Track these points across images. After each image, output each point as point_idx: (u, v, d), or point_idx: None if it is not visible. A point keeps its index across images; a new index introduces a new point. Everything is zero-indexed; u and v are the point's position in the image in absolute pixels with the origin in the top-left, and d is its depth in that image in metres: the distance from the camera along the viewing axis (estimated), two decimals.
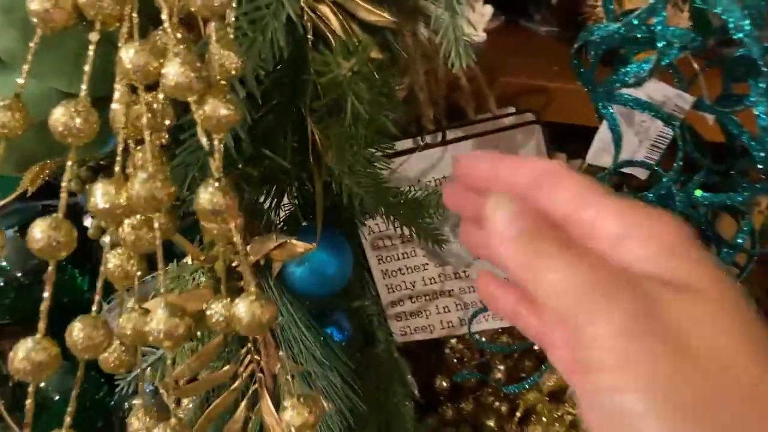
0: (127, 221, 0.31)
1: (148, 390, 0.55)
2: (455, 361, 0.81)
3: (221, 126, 0.30)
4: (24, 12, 0.28)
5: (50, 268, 0.29)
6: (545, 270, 0.25)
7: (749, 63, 0.36)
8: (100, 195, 0.30)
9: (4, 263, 0.75)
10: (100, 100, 0.31)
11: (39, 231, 0.28)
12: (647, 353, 0.23)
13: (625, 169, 0.47)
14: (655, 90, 0.45)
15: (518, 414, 0.78)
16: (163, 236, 0.31)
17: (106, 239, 0.31)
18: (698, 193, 0.45)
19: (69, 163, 0.30)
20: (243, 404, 0.44)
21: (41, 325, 0.29)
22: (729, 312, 0.24)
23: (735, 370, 0.23)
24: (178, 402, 0.51)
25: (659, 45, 0.38)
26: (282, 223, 0.50)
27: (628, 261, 0.25)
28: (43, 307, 0.29)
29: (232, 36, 0.33)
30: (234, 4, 0.33)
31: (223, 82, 0.33)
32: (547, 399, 0.80)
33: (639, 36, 0.39)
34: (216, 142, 0.31)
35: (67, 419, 0.30)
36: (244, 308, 0.30)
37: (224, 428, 0.44)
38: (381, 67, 0.36)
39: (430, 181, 0.59)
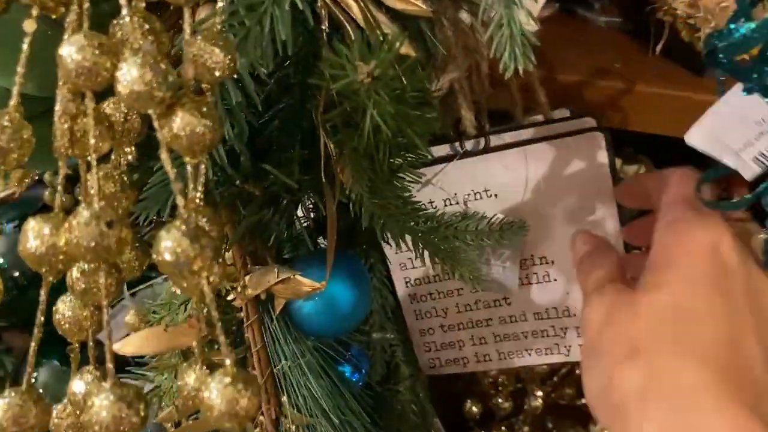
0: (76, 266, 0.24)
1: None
2: (489, 384, 0.74)
3: (195, 147, 0.23)
4: None
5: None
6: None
7: None
8: (32, 236, 0.22)
9: (1, 261, 0.70)
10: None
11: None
12: None
13: (727, 162, 0.39)
14: None
15: None
16: (109, 296, 0.24)
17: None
18: None
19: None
20: None
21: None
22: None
23: None
24: None
25: None
26: (293, 242, 0.43)
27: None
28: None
29: (218, 27, 0.25)
30: None
31: (206, 85, 0.25)
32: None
33: None
34: (190, 169, 0.24)
35: None
36: (217, 392, 0.23)
37: None
38: (412, 69, 0.28)
39: (469, 194, 0.50)
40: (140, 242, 0.27)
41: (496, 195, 0.50)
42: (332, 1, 0.30)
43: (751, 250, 0.36)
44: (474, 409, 0.73)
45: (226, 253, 0.38)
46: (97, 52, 0.22)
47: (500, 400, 0.71)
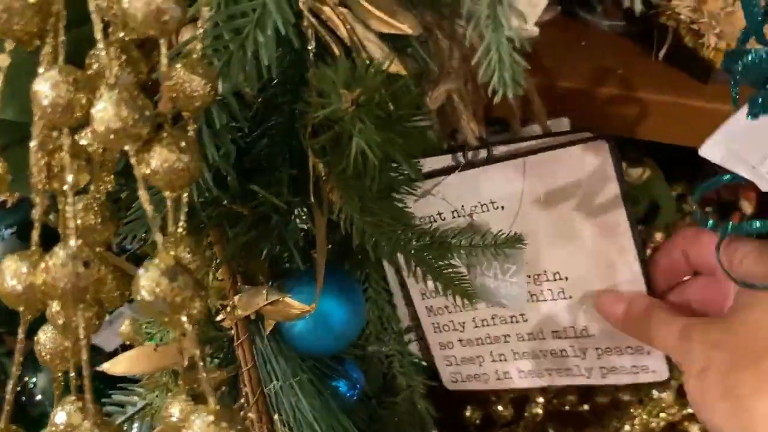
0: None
1: None
2: (489, 391, 0.73)
3: (173, 182, 0.22)
4: None
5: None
6: None
7: None
8: (9, 276, 0.22)
9: None
10: None
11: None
12: None
13: (744, 175, 0.39)
14: None
15: None
16: (89, 329, 0.23)
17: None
18: None
19: None
20: None
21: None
22: None
23: None
24: None
25: None
26: (289, 258, 0.42)
27: None
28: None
29: (198, 54, 0.25)
30: (206, 13, 0.25)
31: (187, 114, 0.25)
32: None
33: None
34: (169, 203, 0.23)
35: None
36: (200, 430, 0.23)
37: None
38: (400, 92, 0.27)
39: (475, 206, 0.48)
40: (122, 273, 0.26)
41: (502, 207, 0.48)
42: (319, 22, 0.30)
43: None
44: (474, 415, 0.73)
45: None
46: (71, 88, 0.21)
47: (500, 408, 0.71)
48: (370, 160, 0.26)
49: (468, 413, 0.73)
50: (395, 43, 0.34)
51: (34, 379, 0.70)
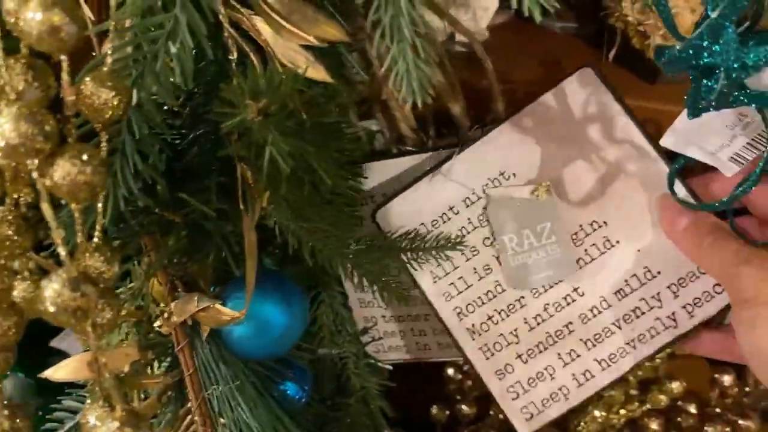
0: None
1: None
2: (454, 389, 0.74)
3: (78, 194, 0.23)
4: None
5: None
6: None
7: None
8: None
9: None
10: None
11: None
12: None
13: (707, 161, 0.39)
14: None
15: None
16: (9, 338, 0.24)
17: None
18: None
19: None
20: None
21: None
22: None
23: None
24: None
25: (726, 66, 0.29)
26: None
27: None
28: None
29: (108, 67, 0.25)
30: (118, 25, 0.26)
31: (98, 126, 0.25)
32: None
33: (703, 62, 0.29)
34: (76, 215, 0.24)
35: None
36: None
37: None
38: (315, 101, 0.28)
39: (486, 184, 0.45)
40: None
41: (514, 174, 0.46)
42: (240, 32, 0.30)
43: None
44: (439, 414, 0.73)
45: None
46: None
47: (464, 407, 0.71)
48: (282, 169, 0.27)
49: (434, 411, 0.73)
50: (325, 50, 0.34)
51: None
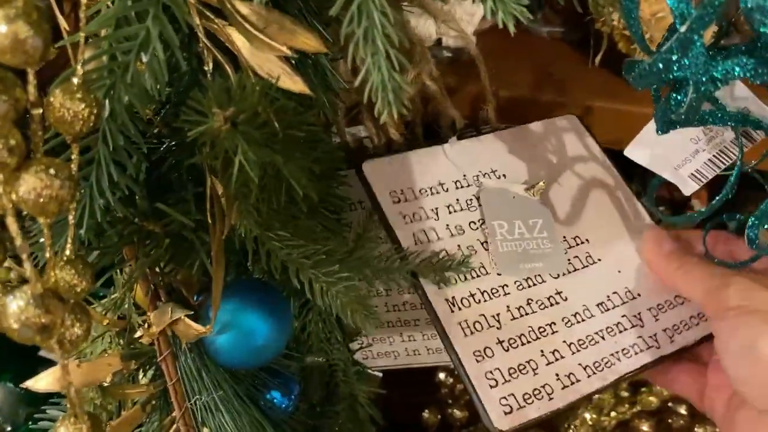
0: None
1: None
2: (446, 393, 0.74)
3: (46, 208, 0.23)
4: None
5: None
6: None
7: None
8: None
9: None
10: None
11: None
12: None
13: (668, 177, 0.41)
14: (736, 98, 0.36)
15: None
16: None
17: None
18: None
19: None
20: None
21: None
22: None
23: None
24: None
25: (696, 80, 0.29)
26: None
27: None
28: None
29: (79, 79, 0.25)
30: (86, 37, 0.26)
31: (69, 138, 0.25)
32: None
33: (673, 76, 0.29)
34: (45, 230, 0.23)
35: None
36: None
37: None
38: (287, 110, 0.28)
39: (477, 176, 0.47)
40: None
41: (505, 175, 0.47)
42: (215, 43, 0.30)
43: None
44: (431, 418, 0.73)
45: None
46: None
47: (456, 411, 0.71)
48: (251, 179, 0.27)
49: (426, 416, 0.73)
50: (305, 60, 0.34)
51: None
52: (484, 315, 0.41)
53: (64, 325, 0.23)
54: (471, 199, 0.46)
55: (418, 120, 0.52)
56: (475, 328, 0.41)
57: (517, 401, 0.39)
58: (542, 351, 0.41)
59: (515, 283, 0.43)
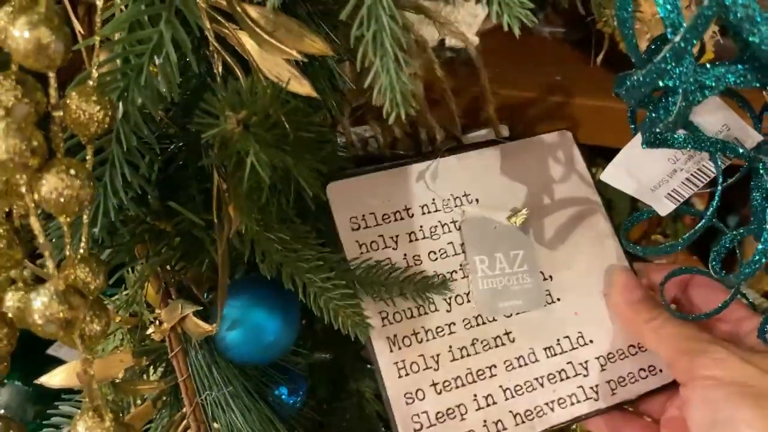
0: None
1: None
2: None
3: (66, 208, 0.23)
4: None
5: None
6: None
7: None
8: None
9: None
10: None
11: None
12: None
13: (644, 200, 0.40)
14: (716, 115, 0.36)
15: None
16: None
17: None
18: None
19: None
20: None
21: None
22: None
23: None
24: None
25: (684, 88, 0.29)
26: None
27: None
28: None
29: (94, 83, 0.26)
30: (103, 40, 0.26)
31: (84, 139, 0.26)
32: None
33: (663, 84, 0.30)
34: (65, 228, 0.24)
35: None
36: None
37: None
38: (297, 111, 0.29)
39: (447, 200, 0.44)
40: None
41: (477, 200, 0.45)
42: (224, 46, 0.31)
43: None
44: None
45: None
46: None
47: None
48: (262, 179, 0.27)
49: None
50: (313, 63, 0.35)
51: None
52: (423, 356, 0.41)
53: (84, 320, 0.24)
54: (436, 227, 0.44)
55: (422, 120, 0.53)
56: (411, 369, 0.40)
57: None
58: (475, 395, 0.41)
59: (463, 320, 0.42)
